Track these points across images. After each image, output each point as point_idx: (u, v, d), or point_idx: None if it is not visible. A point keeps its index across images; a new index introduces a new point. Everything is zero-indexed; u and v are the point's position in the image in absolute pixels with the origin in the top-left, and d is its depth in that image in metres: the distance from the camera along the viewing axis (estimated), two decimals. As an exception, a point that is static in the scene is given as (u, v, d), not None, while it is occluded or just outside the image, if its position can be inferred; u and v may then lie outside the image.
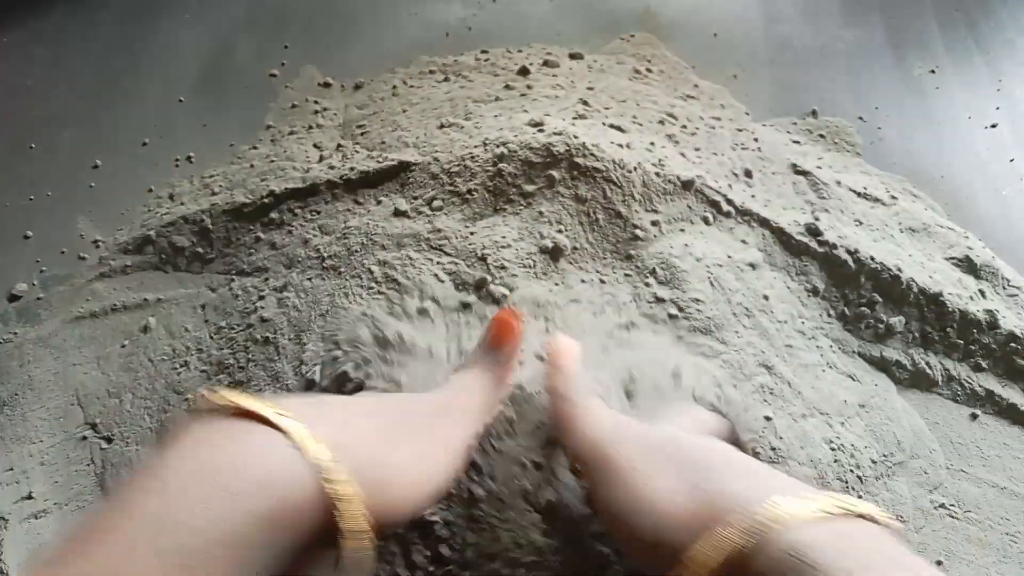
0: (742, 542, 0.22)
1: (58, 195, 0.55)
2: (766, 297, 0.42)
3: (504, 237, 0.41)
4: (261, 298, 0.44)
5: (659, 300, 0.40)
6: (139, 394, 0.43)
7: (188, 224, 0.49)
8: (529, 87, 0.55)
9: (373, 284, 0.40)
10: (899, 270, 0.44)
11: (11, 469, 0.41)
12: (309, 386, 0.37)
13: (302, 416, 0.23)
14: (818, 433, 0.39)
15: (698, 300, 0.40)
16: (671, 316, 0.40)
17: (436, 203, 0.43)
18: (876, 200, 0.51)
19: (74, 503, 0.40)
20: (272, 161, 0.53)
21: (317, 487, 0.22)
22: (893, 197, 0.52)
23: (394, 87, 0.59)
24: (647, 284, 0.41)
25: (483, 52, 0.62)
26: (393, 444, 0.25)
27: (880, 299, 0.44)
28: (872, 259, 0.44)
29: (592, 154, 0.42)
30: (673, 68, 0.61)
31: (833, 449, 0.39)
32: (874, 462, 0.40)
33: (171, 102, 0.61)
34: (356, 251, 0.42)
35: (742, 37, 0.64)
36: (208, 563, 0.19)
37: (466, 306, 0.39)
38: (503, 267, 0.40)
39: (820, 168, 0.52)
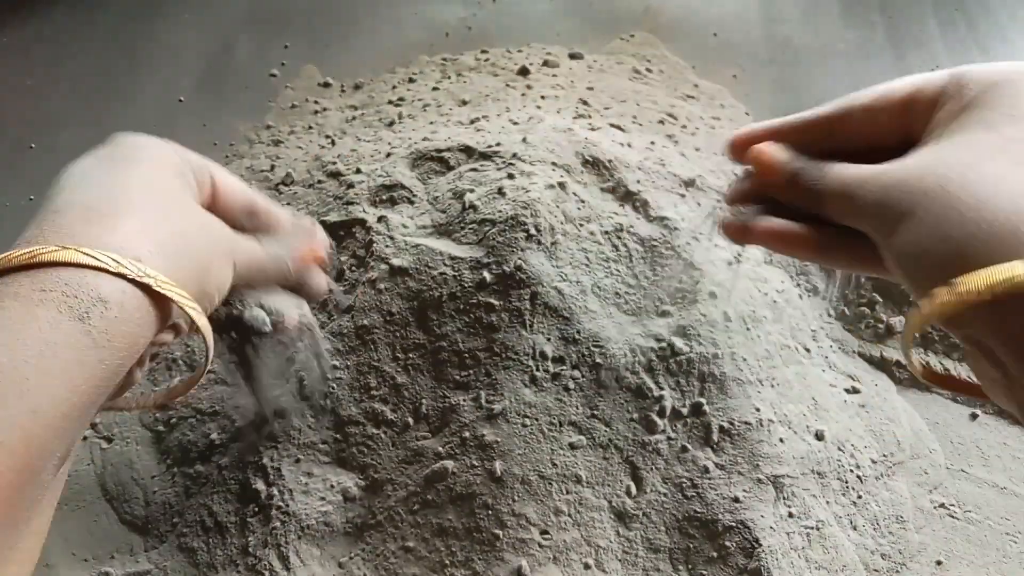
0: None
1: (58, 195, 0.54)
2: (766, 295, 0.42)
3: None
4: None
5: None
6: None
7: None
8: (529, 87, 0.55)
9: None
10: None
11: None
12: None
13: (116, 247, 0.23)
14: (818, 433, 0.39)
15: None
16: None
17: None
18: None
19: (74, 503, 0.40)
20: (272, 161, 0.53)
21: (138, 295, 0.23)
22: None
23: (393, 87, 0.59)
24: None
25: (483, 52, 0.62)
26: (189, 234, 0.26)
27: (880, 299, 0.44)
28: (872, 259, 0.44)
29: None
30: (673, 68, 0.61)
31: (834, 449, 0.39)
32: (874, 462, 0.40)
33: (171, 102, 0.61)
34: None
35: (742, 37, 0.64)
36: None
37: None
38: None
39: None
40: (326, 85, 0.61)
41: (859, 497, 0.39)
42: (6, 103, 0.61)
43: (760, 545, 0.35)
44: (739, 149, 0.28)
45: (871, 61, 0.62)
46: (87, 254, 0.22)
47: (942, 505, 0.40)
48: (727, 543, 0.35)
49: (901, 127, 0.25)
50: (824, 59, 0.62)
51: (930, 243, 0.21)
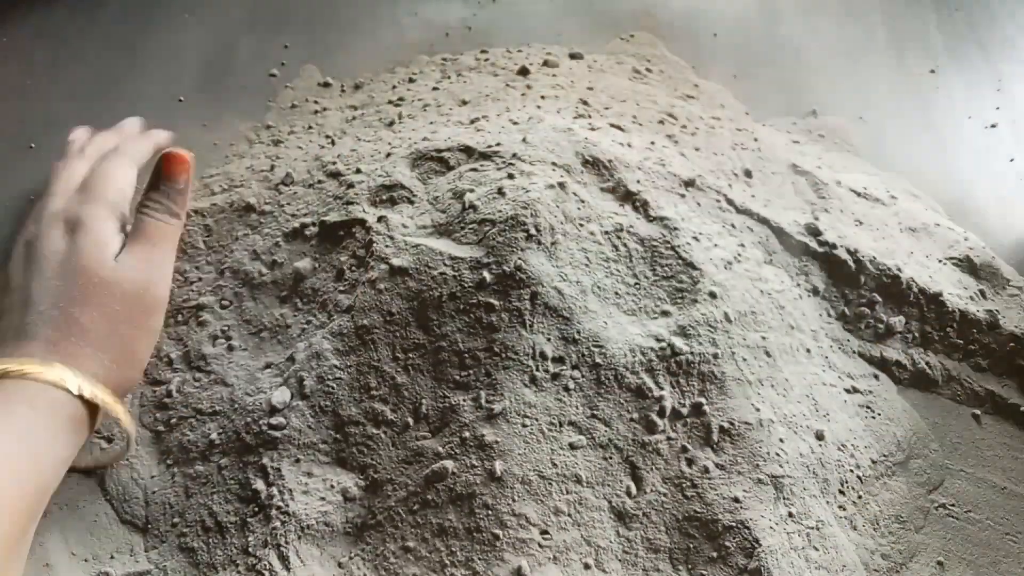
0: None
1: (58, 195, 0.54)
2: (767, 294, 0.42)
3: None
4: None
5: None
6: (136, 393, 0.43)
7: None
8: (529, 87, 0.55)
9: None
10: (899, 270, 0.44)
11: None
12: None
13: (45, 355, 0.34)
14: (818, 433, 0.39)
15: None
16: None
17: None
18: (876, 200, 0.51)
19: (74, 503, 0.40)
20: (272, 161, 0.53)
21: (81, 408, 0.34)
22: (893, 197, 0.52)
23: (393, 87, 0.59)
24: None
25: (483, 52, 0.62)
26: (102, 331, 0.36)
27: (880, 299, 0.44)
28: (872, 259, 0.44)
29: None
30: (673, 68, 0.61)
31: (834, 449, 0.39)
32: (874, 462, 0.40)
33: (171, 102, 0.61)
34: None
35: (742, 37, 0.64)
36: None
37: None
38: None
39: (820, 168, 0.52)
40: (326, 85, 0.61)
41: (859, 497, 0.39)
42: (6, 103, 0.61)
43: (760, 545, 0.35)
44: None
45: (871, 61, 0.62)
46: (57, 381, 0.33)
47: (942, 505, 0.40)
48: (727, 543, 0.35)
49: None
50: (824, 59, 0.62)
51: None
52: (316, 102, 0.59)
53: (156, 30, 0.66)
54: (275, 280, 0.44)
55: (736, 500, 0.36)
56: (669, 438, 0.37)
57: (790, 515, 0.36)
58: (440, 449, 0.36)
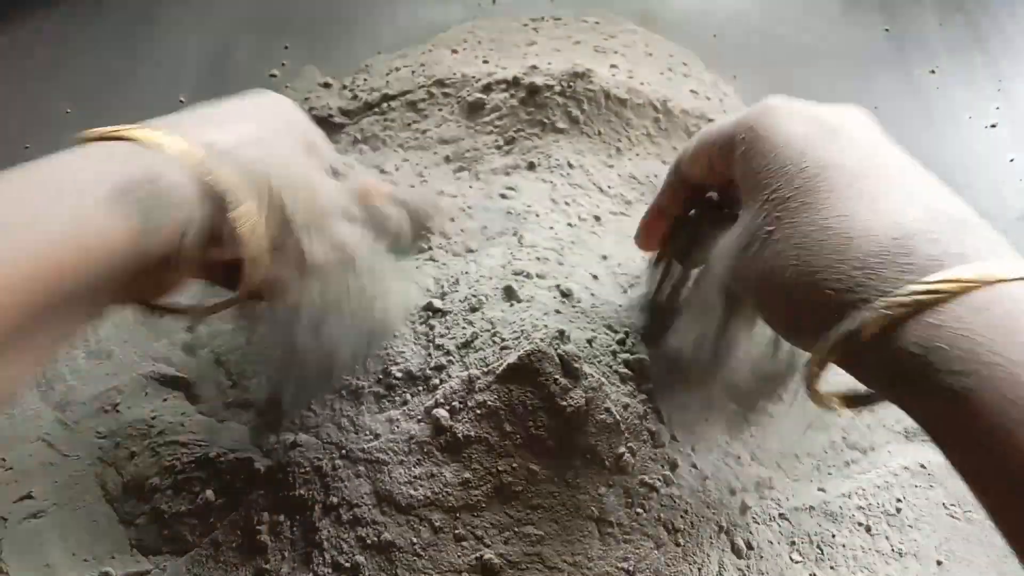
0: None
1: (58, 195, 0.54)
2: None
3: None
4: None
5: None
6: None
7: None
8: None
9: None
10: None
11: (11, 469, 0.41)
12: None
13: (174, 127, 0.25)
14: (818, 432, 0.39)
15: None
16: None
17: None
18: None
19: (74, 503, 0.40)
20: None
21: (196, 182, 0.23)
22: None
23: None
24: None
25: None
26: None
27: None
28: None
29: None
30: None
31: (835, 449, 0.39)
32: (874, 462, 0.40)
33: (171, 102, 0.61)
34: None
35: (742, 37, 0.64)
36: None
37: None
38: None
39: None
40: (326, 85, 0.61)
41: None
42: (6, 103, 0.61)
43: (753, 548, 0.35)
44: (648, 244, 0.34)
45: (871, 61, 0.62)
46: (157, 140, 0.24)
47: (942, 505, 0.40)
48: (722, 537, 0.35)
49: (726, 168, 0.28)
50: (824, 59, 0.62)
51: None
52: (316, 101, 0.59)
53: (156, 30, 0.66)
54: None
55: (732, 492, 0.36)
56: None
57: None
58: None
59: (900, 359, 0.20)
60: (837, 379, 0.24)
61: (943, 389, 0.19)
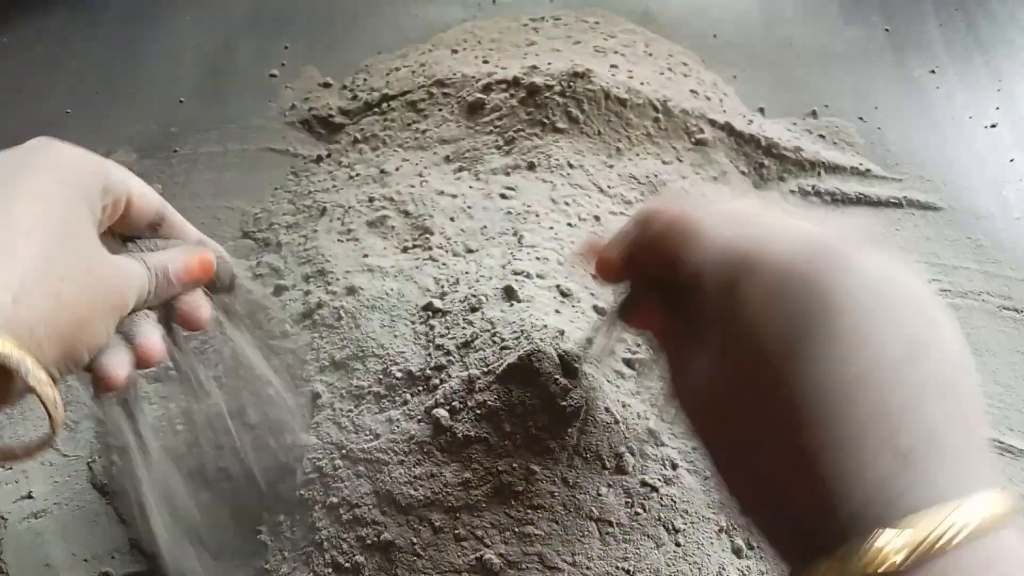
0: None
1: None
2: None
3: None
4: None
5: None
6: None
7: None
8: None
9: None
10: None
11: (11, 469, 0.41)
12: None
13: None
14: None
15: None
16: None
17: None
18: (877, 201, 0.51)
19: (74, 503, 0.40)
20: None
21: None
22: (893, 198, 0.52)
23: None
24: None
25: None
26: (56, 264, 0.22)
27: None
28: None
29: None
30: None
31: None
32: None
33: (171, 102, 0.61)
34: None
35: (742, 37, 0.64)
36: None
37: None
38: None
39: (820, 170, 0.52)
40: (326, 85, 0.61)
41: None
42: (6, 103, 0.61)
43: (753, 548, 0.35)
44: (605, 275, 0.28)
45: (871, 61, 0.62)
46: None
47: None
48: (722, 537, 0.35)
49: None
50: (824, 59, 0.62)
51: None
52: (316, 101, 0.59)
53: (156, 30, 0.66)
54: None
55: None
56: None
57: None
58: None
59: None
60: None
61: None
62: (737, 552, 0.35)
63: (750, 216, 0.23)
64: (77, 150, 0.25)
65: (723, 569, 0.35)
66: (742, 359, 0.21)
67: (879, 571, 0.17)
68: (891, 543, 0.17)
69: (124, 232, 0.28)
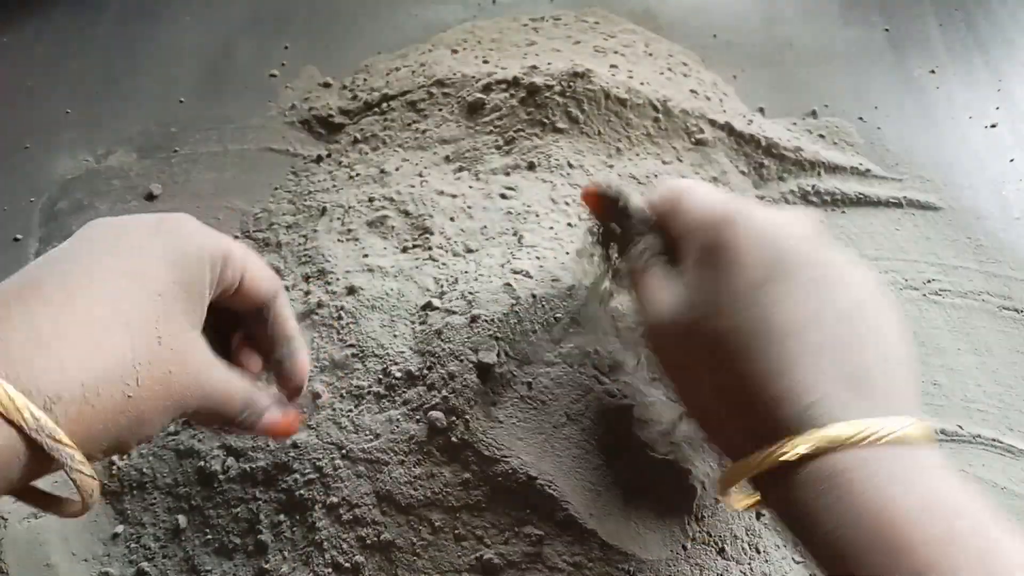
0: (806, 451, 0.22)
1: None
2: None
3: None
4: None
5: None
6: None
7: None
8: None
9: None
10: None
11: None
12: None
13: None
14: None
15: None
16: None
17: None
18: (876, 201, 0.51)
19: (74, 503, 0.40)
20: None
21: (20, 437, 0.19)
22: (893, 198, 0.52)
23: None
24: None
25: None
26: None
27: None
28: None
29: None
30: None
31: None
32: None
33: (171, 102, 0.61)
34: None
35: (742, 37, 0.64)
36: None
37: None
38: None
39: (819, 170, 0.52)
40: (326, 85, 0.61)
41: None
42: (6, 103, 0.61)
43: (760, 553, 0.35)
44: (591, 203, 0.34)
45: (871, 61, 0.62)
46: None
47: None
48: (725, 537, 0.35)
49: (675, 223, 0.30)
50: (824, 59, 0.62)
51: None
52: (316, 101, 0.59)
53: (156, 30, 0.66)
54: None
55: None
56: None
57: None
58: None
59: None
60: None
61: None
62: (740, 554, 0.35)
63: (735, 195, 0.30)
64: (203, 233, 0.25)
65: (725, 571, 0.35)
66: (720, 289, 0.25)
67: (783, 459, 0.22)
68: (806, 442, 0.22)
69: (233, 307, 0.28)
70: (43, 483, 0.23)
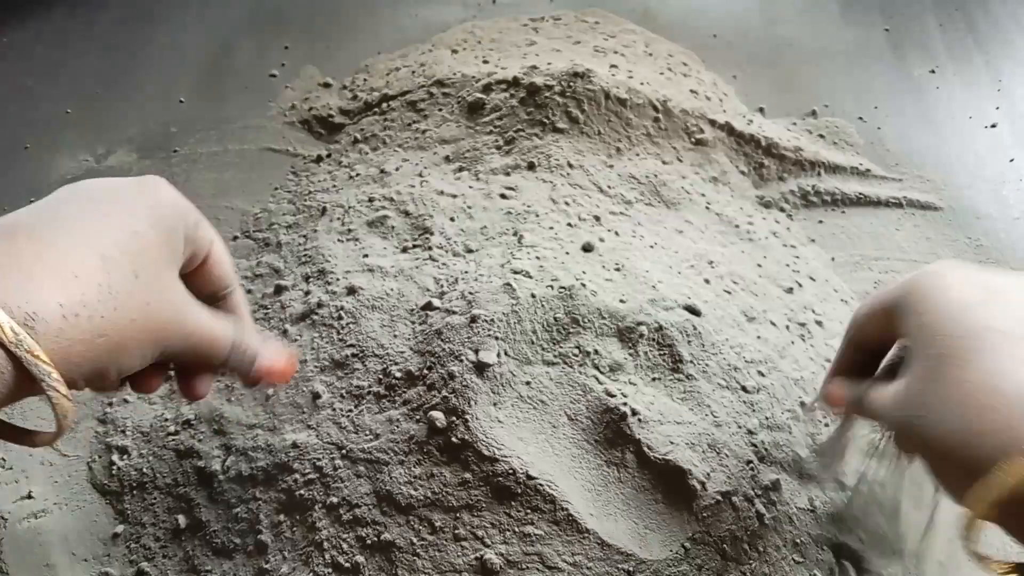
0: None
1: (58, 195, 0.55)
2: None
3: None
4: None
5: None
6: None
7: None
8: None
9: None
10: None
11: (11, 468, 0.41)
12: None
13: None
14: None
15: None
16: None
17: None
18: (877, 201, 0.51)
19: (74, 503, 0.40)
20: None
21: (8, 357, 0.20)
22: (893, 198, 0.52)
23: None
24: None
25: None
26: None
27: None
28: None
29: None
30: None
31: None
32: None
33: (171, 102, 0.61)
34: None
35: (742, 37, 0.64)
36: None
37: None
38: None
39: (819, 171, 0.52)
40: (326, 85, 0.61)
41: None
42: (6, 103, 0.61)
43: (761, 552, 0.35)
44: (832, 403, 0.33)
45: (871, 61, 0.62)
46: None
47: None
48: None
49: (896, 329, 0.29)
50: (824, 59, 0.62)
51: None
52: (316, 101, 0.59)
53: (156, 30, 0.66)
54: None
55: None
56: None
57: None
58: None
59: None
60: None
61: None
62: (740, 554, 0.35)
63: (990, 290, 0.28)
64: (178, 195, 0.26)
65: (726, 571, 0.35)
66: (938, 361, 0.25)
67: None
68: None
69: (193, 288, 0.27)
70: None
